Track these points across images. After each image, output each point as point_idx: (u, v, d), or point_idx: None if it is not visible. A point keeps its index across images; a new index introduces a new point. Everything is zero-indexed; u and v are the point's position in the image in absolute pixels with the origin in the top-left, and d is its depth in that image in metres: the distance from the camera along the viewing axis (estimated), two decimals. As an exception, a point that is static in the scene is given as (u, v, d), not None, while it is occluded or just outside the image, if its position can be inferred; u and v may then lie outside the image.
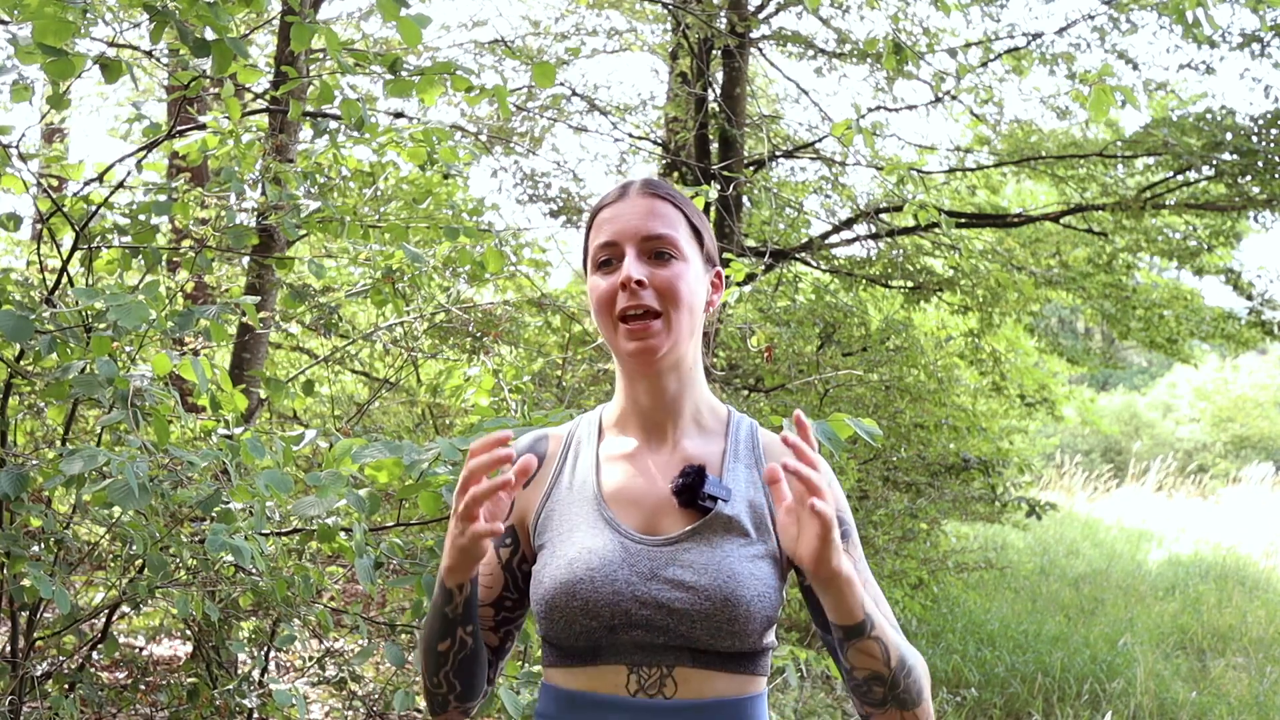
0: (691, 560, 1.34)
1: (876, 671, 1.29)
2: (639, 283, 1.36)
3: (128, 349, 2.91)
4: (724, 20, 7.45)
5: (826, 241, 8.71)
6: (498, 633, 1.48)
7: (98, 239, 3.09)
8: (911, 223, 7.97)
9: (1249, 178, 7.61)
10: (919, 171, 8.17)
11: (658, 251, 1.40)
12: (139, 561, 2.86)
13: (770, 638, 1.41)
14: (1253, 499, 16.51)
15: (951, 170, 8.97)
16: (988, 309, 8.72)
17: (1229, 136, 7.55)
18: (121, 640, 4.14)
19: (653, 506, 1.39)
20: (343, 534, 2.55)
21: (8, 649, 2.81)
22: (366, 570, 2.41)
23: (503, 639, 1.49)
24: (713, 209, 7.23)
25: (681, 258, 1.40)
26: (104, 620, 3.22)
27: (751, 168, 7.98)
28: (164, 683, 3.55)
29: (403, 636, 3.23)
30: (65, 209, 2.98)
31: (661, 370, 1.41)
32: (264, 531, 2.54)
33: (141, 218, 3.09)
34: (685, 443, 1.44)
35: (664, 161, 8.25)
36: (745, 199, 8.18)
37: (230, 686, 3.20)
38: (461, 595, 1.34)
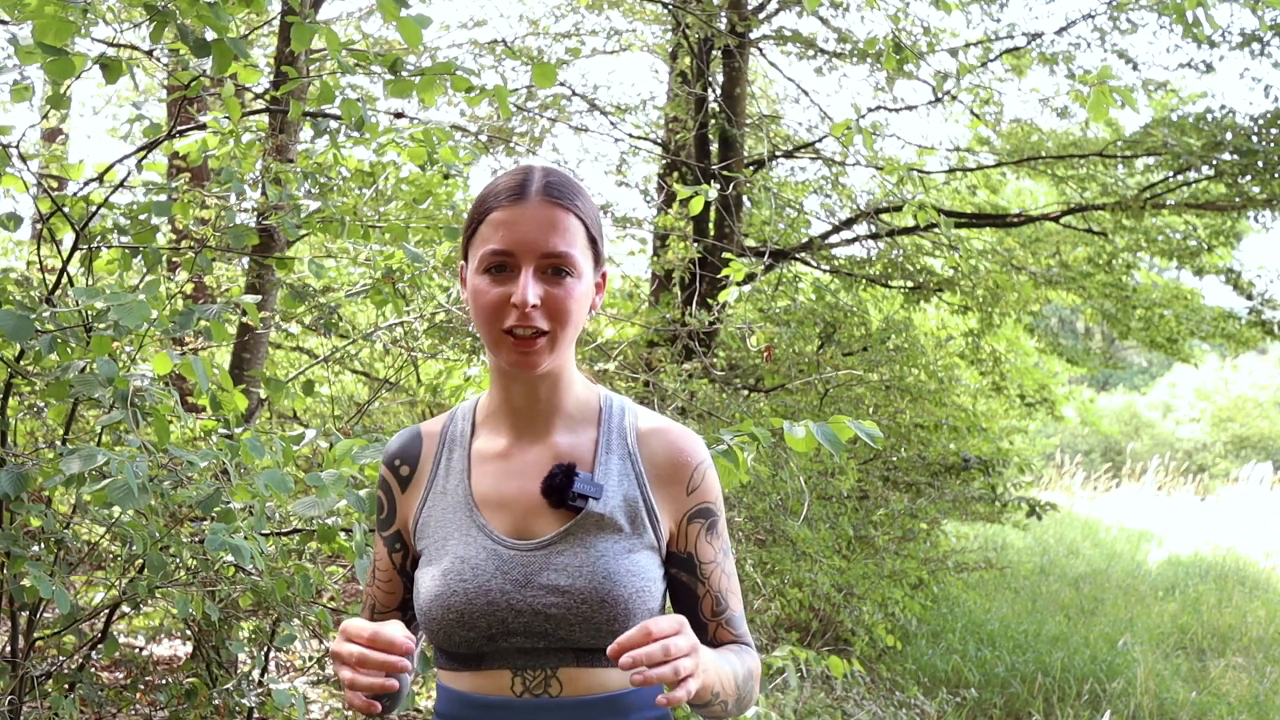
0: (565, 564, 1.34)
1: (715, 716, 1.38)
2: (534, 305, 1.32)
3: (128, 349, 2.91)
4: (724, 20, 7.45)
5: (826, 241, 8.71)
6: (410, 627, 1.50)
7: (98, 239, 3.09)
8: (911, 223, 7.97)
9: (1249, 177, 7.61)
10: (919, 172, 8.17)
11: (555, 268, 1.34)
12: (139, 561, 2.86)
13: None
14: (1252, 499, 16.52)
15: (951, 170, 8.97)
16: (988, 309, 8.71)
17: (1229, 136, 7.55)
18: (121, 640, 4.13)
19: (525, 509, 1.38)
20: (342, 534, 2.55)
21: (8, 649, 2.81)
22: (367, 570, 2.41)
23: (415, 629, 1.51)
24: (713, 209, 7.23)
25: (576, 274, 1.35)
26: (104, 620, 3.22)
27: (751, 168, 7.98)
28: (164, 683, 3.55)
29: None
30: (65, 209, 2.98)
31: (537, 376, 1.39)
32: (264, 531, 2.54)
33: (141, 218, 3.09)
34: (557, 438, 1.41)
35: (664, 161, 8.25)
36: (745, 199, 8.17)
37: (230, 686, 3.20)
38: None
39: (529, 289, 1.31)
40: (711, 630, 1.44)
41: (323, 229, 3.37)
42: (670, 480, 1.42)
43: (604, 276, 1.45)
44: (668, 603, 1.46)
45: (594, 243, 1.40)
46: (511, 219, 1.34)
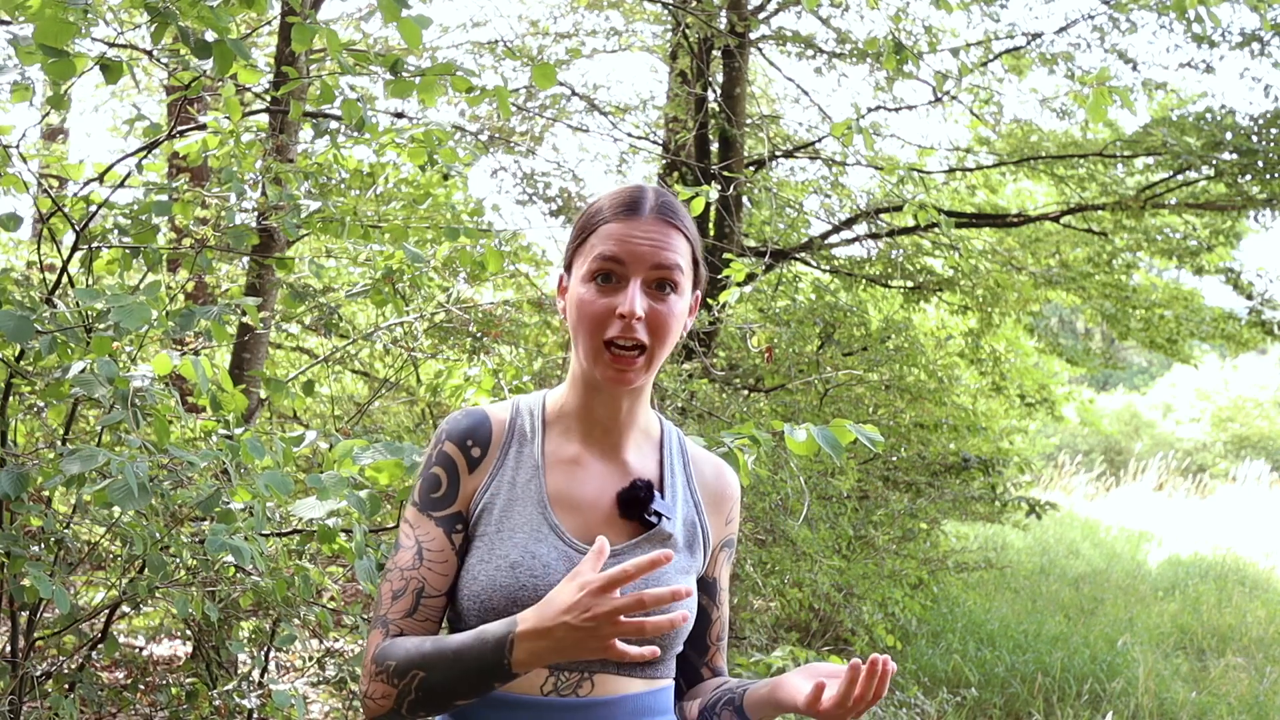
0: None
1: None
2: (639, 318, 1.34)
3: (128, 349, 2.91)
4: (724, 20, 7.45)
5: (826, 241, 8.71)
6: (441, 625, 1.45)
7: (98, 239, 3.09)
8: (911, 223, 7.97)
9: (1249, 177, 7.61)
10: (919, 172, 8.18)
11: (660, 283, 1.37)
12: (139, 561, 2.86)
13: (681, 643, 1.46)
14: (1252, 498, 16.52)
15: (951, 170, 8.97)
16: (988, 309, 8.72)
17: (1229, 136, 7.55)
18: (121, 640, 4.13)
19: (596, 517, 1.40)
20: (343, 535, 2.55)
21: (8, 649, 2.81)
22: (367, 571, 2.41)
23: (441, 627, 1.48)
24: (713, 209, 7.22)
25: (680, 293, 1.39)
26: (104, 620, 3.22)
27: (751, 168, 7.98)
28: (164, 683, 3.55)
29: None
30: (65, 209, 2.98)
31: (626, 391, 1.42)
32: (264, 532, 2.54)
33: (142, 218, 3.09)
34: (627, 455, 1.45)
35: (664, 161, 8.25)
36: (745, 199, 8.17)
37: (230, 686, 3.20)
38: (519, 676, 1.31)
39: (636, 300, 1.34)
40: (710, 655, 1.50)
41: (323, 229, 3.37)
42: (714, 511, 1.49)
43: (698, 299, 1.48)
44: None
45: (696, 265, 1.44)
46: (626, 231, 1.37)
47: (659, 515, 1.39)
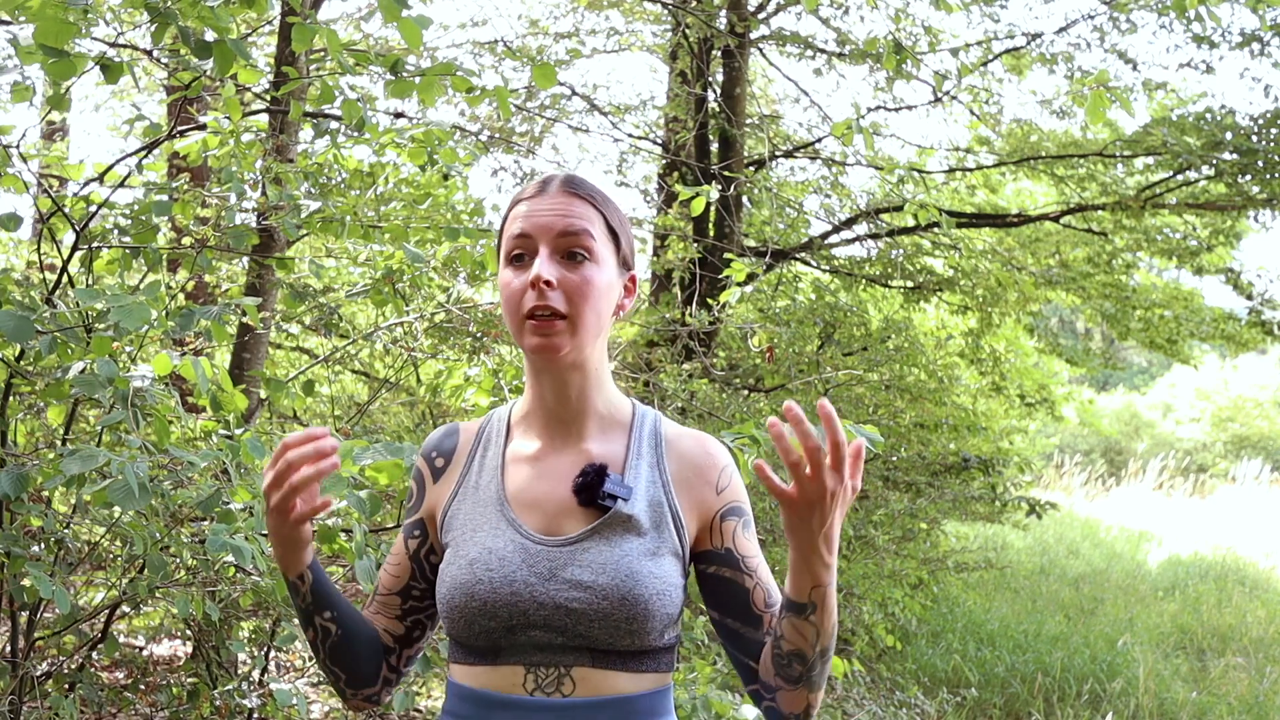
0: (590, 560, 1.35)
1: (800, 650, 1.32)
2: (548, 283, 1.35)
3: (128, 349, 2.91)
4: (724, 20, 7.45)
5: (826, 241, 8.71)
6: (404, 621, 1.50)
7: (98, 239, 3.09)
8: (911, 223, 7.98)
9: (1249, 177, 7.61)
10: (919, 172, 8.17)
11: (571, 251, 1.37)
12: (139, 561, 2.86)
13: (674, 633, 1.42)
14: (1252, 498, 16.52)
15: (951, 170, 8.97)
16: (988, 309, 8.72)
17: (1229, 136, 7.55)
18: (121, 640, 4.13)
19: (555, 509, 1.40)
20: (343, 535, 2.55)
21: (8, 649, 2.81)
22: (367, 571, 2.41)
23: (410, 628, 1.50)
24: (713, 209, 7.23)
25: (594, 259, 1.38)
26: (104, 620, 3.22)
27: (751, 168, 7.98)
28: (164, 683, 3.55)
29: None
30: (65, 209, 2.98)
31: (564, 368, 1.41)
32: (264, 532, 2.54)
33: (142, 218, 3.09)
34: (588, 444, 1.44)
35: (664, 161, 8.25)
36: (745, 199, 8.17)
37: (230, 686, 3.20)
38: (306, 584, 1.39)
39: (544, 266, 1.35)
40: (768, 621, 1.43)
41: (323, 229, 3.37)
42: (697, 482, 1.44)
43: (633, 280, 1.48)
44: (683, 610, 1.46)
45: (615, 237, 1.43)
46: (532, 209, 1.40)
47: (613, 497, 1.37)
